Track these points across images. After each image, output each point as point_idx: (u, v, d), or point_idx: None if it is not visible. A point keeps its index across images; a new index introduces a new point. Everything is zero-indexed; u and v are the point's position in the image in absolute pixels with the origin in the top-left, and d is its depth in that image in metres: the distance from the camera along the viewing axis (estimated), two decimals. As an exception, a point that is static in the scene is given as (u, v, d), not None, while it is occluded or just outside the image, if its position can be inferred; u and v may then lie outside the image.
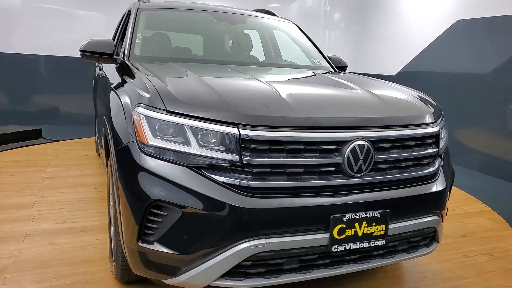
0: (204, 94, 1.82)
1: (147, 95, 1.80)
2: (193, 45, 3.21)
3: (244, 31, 3.44)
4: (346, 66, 3.54)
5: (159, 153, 1.68)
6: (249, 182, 1.62)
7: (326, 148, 1.72)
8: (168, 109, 1.69)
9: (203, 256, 1.65)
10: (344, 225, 1.72)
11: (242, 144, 1.62)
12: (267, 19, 3.67)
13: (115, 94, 2.26)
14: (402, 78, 6.49)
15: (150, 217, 1.68)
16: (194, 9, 3.31)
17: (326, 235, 1.70)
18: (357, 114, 1.86)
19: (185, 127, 1.66)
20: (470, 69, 5.34)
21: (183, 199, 1.62)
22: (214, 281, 1.67)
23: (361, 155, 1.75)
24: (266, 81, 2.14)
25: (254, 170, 1.64)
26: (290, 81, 2.57)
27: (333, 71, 3.21)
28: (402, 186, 1.89)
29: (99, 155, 4.79)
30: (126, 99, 1.97)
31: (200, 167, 1.65)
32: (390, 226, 1.82)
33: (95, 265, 2.42)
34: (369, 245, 1.79)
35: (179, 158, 1.66)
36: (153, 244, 1.70)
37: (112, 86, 2.48)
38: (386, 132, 1.84)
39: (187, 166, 1.65)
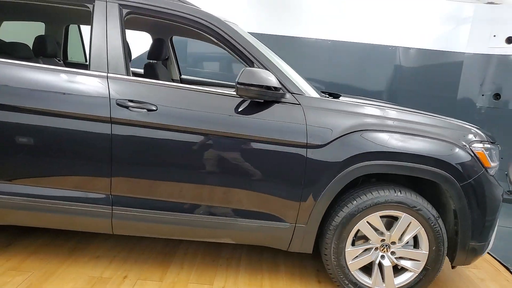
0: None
1: (477, 133, 2.65)
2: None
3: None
4: None
5: (490, 171, 2.60)
6: None
7: None
8: (490, 141, 2.66)
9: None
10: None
11: None
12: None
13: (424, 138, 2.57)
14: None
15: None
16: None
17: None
18: None
19: (492, 149, 2.65)
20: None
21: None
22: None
23: None
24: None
25: None
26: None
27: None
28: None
29: None
30: (459, 140, 2.57)
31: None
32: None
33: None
34: None
35: (493, 171, 2.64)
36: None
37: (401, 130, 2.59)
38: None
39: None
